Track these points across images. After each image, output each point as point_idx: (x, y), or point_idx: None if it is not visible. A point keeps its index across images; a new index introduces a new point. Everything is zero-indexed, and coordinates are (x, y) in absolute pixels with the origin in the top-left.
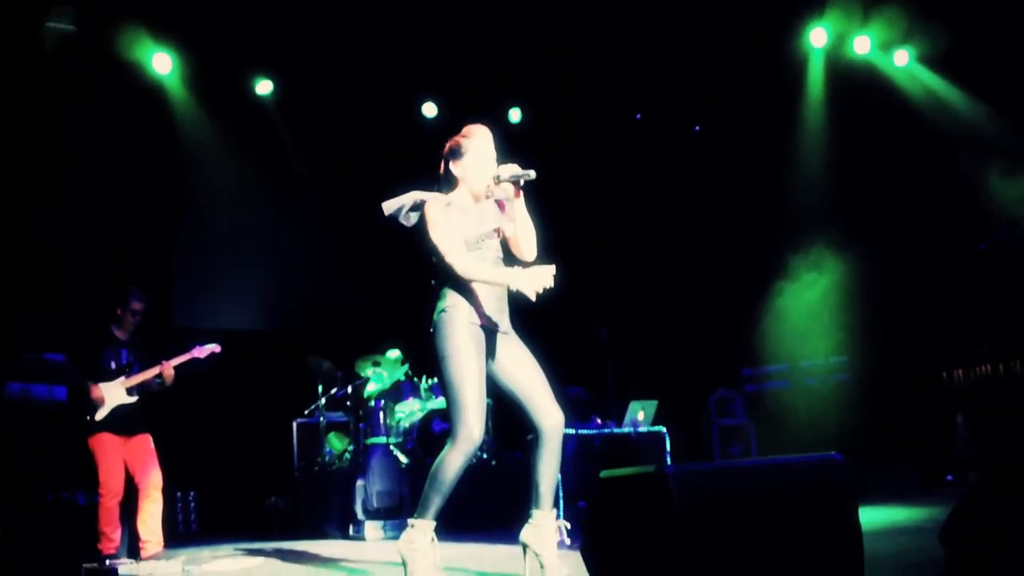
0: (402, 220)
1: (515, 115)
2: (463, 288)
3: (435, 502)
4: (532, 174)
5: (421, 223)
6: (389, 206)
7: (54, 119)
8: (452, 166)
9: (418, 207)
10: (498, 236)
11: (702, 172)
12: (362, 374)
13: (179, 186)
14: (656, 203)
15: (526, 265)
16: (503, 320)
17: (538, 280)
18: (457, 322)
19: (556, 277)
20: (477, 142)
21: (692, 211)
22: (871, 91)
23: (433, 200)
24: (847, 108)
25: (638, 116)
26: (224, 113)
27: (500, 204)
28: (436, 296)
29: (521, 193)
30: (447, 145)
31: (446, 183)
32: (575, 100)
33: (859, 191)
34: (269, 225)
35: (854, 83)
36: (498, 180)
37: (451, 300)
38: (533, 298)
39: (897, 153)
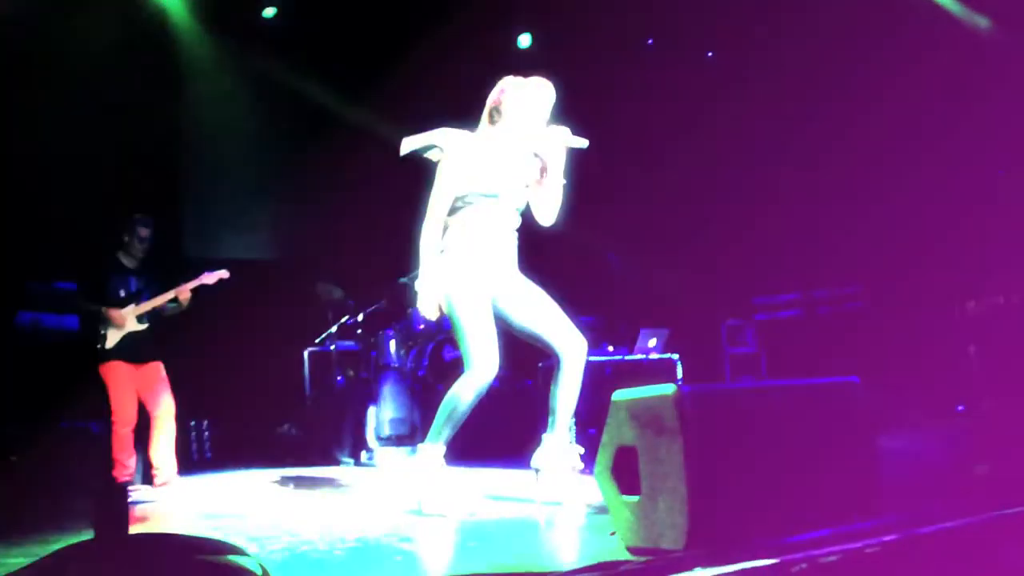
0: (427, 155)
1: (524, 40)
2: (468, 232)
3: (446, 429)
4: (584, 143)
5: (438, 164)
6: (410, 143)
7: (59, 48)
8: (506, 99)
9: (441, 147)
10: (520, 183)
11: (715, 97)
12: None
13: (185, 114)
14: (668, 127)
15: (540, 229)
16: (506, 267)
17: (428, 311)
18: (457, 263)
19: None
20: (538, 93)
21: (704, 136)
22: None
23: (454, 145)
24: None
25: (650, 41)
26: (231, 39)
27: (539, 158)
28: (443, 233)
29: (563, 158)
30: (507, 81)
31: (491, 115)
32: (586, 25)
33: (870, 106)
34: (277, 153)
35: None
36: (547, 140)
37: (452, 241)
38: (429, 318)
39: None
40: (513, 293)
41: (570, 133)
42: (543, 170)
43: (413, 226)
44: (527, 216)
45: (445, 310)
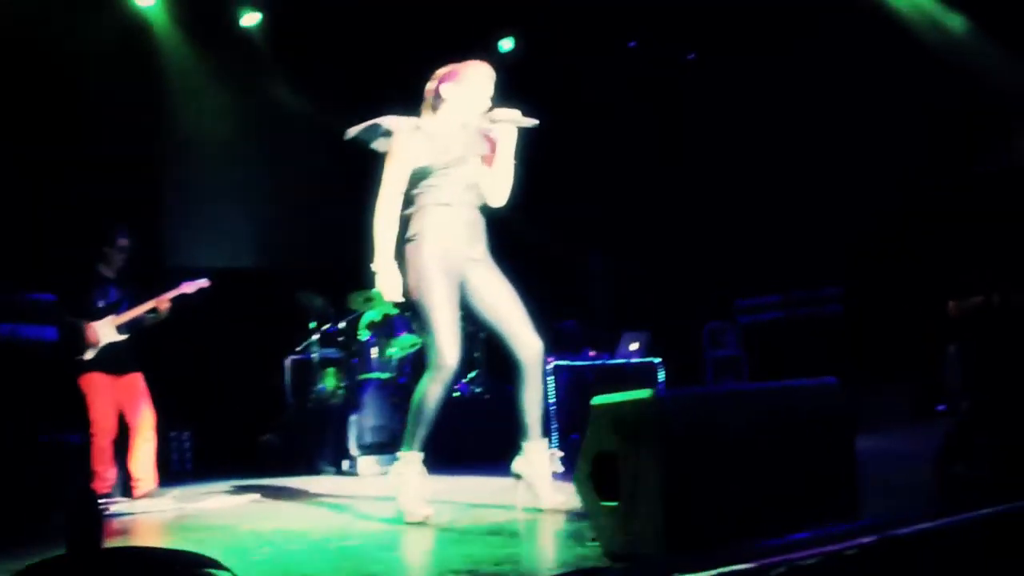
0: (374, 146)
1: (507, 44)
2: (431, 214)
3: (420, 432)
4: (534, 122)
5: (388, 151)
6: (354, 130)
7: (37, 56)
8: (444, 87)
9: (389, 134)
10: (472, 163)
11: (696, 99)
12: (354, 309)
13: (165, 123)
14: (649, 130)
15: (491, 210)
16: (476, 246)
17: (390, 292)
18: (424, 249)
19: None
20: (478, 75)
21: (686, 139)
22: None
23: (401, 129)
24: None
25: (631, 44)
26: (210, 47)
27: (489, 140)
28: (403, 226)
29: (514, 139)
30: (446, 68)
31: (432, 103)
32: (568, 29)
33: (847, 112)
34: (257, 162)
35: None
36: (495, 120)
37: (417, 227)
38: (393, 300)
39: (887, 72)
40: (480, 280)
41: (520, 114)
42: (492, 149)
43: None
44: (501, 219)
45: (413, 298)
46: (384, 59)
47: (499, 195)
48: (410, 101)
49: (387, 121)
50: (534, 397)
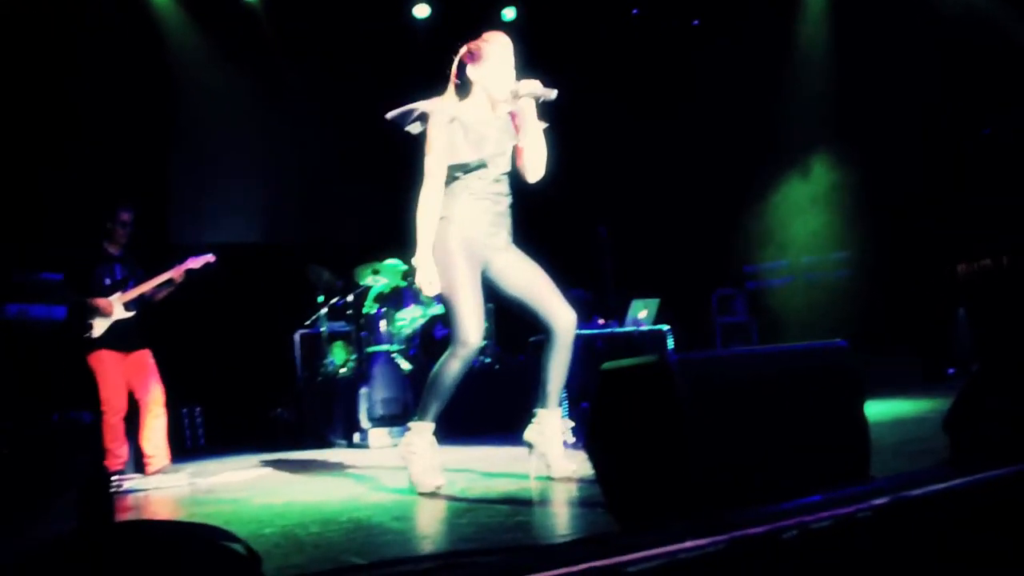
0: (407, 127)
1: (509, 14)
2: (460, 203)
3: (434, 406)
4: (553, 93)
5: (423, 137)
6: (392, 113)
7: (45, 33)
8: (469, 69)
9: (423, 118)
10: (507, 156)
11: (701, 66)
12: (362, 282)
13: (170, 98)
14: (656, 97)
15: (529, 185)
16: (499, 236)
17: (429, 287)
18: (449, 233)
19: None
20: (498, 48)
21: (692, 104)
22: None
23: (437, 116)
24: None
25: (635, 11)
26: (213, 21)
27: (512, 115)
28: None
29: (535, 110)
30: (465, 48)
31: (460, 88)
32: None
33: (861, 81)
34: (263, 135)
35: None
36: (516, 95)
37: (445, 212)
38: (429, 293)
39: (899, 39)
40: (504, 262)
41: (540, 84)
42: (520, 128)
43: (402, 206)
44: (515, 186)
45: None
46: (387, 27)
47: (535, 170)
48: (414, 69)
49: (422, 105)
50: (560, 367)
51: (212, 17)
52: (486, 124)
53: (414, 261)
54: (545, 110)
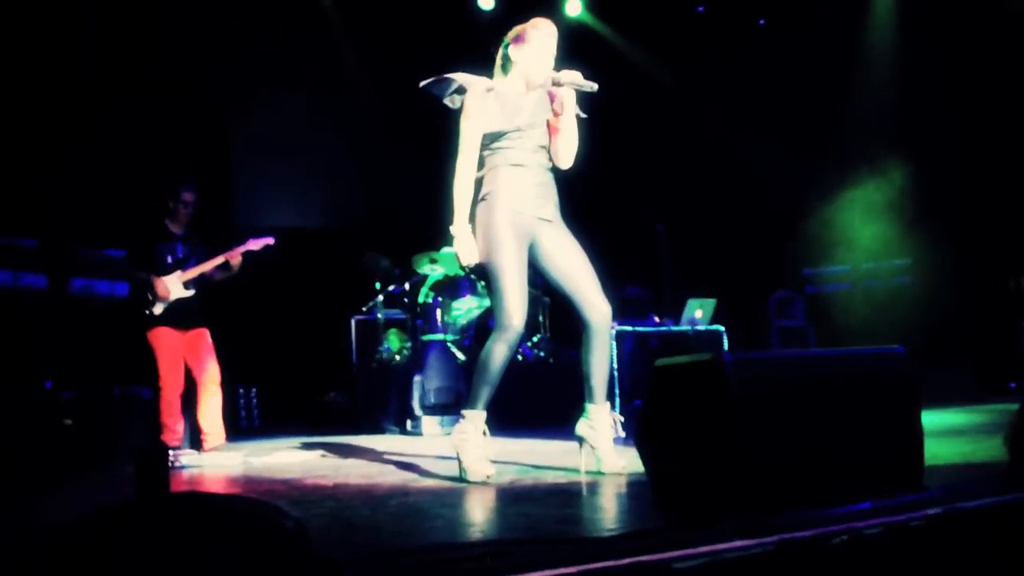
0: (446, 100)
1: (575, 9)
2: (503, 175)
3: (484, 392)
4: (594, 86)
5: (462, 109)
6: (426, 82)
7: (112, 29)
8: (512, 50)
9: (461, 91)
10: (541, 126)
11: (768, 67)
12: (419, 271)
13: (235, 82)
14: (721, 98)
15: (559, 173)
16: (547, 207)
17: (466, 255)
18: (496, 210)
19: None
20: (542, 34)
21: (758, 106)
22: None
23: (474, 87)
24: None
25: (700, 9)
26: (278, 7)
27: (551, 96)
28: (476, 187)
29: (574, 100)
30: (512, 30)
31: (502, 67)
32: None
33: (931, 91)
34: (326, 121)
35: None
36: (558, 83)
37: (489, 188)
38: (469, 263)
39: (973, 51)
40: (552, 243)
41: (581, 76)
42: (556, 112)
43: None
44: (570, 182)
45: (482, 258)
46: (451, 17)
47: (566, 157)
48: (478, 61)
49: (460, 77)
50: (600, 361)
51: (277, 3)
52: (522, 97)
53: (452, 229)
54: (584, 104)
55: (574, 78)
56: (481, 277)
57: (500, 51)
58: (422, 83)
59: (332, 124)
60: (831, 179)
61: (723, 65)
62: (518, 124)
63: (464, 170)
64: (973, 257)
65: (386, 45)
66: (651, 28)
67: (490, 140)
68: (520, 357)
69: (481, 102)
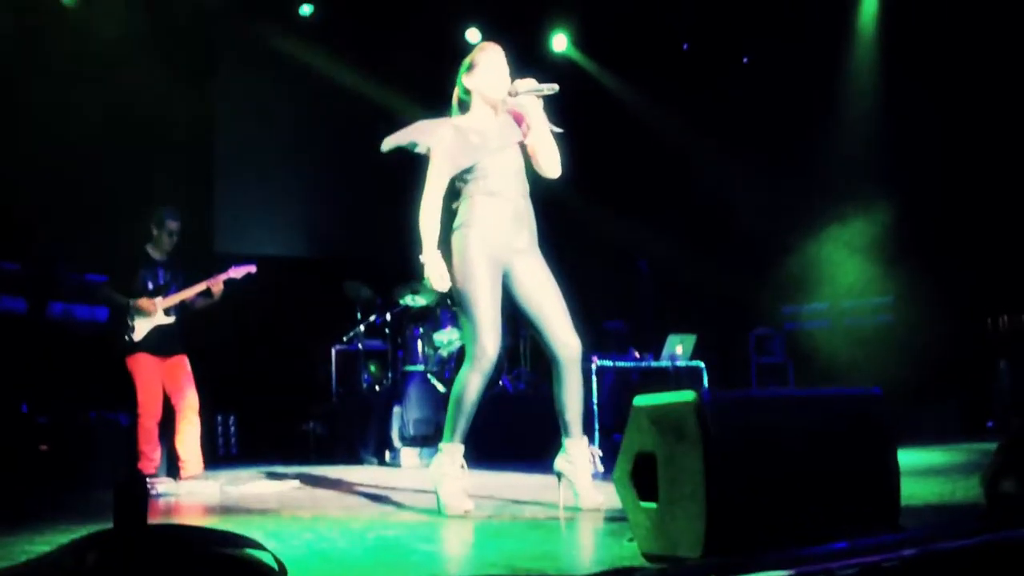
0: (416, 151)
1: (561, 45)
2: (478, 205)
3: (460, 424)
4: (554, 87)
5: (431, 152)
6: (390, 142)
7: (92, 36)
8: (466, 80)
9: (425, 133)
10: (514, 149)
11: (750, 105)
12: (401, 302)
13: (218, 110)
14: (701, 134)
15: (550, 182)
16: (521, 236)
17: (439, 281)
18: (470, 239)
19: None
20: (488, 54)
21: (740, 143)
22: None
23: (439, 125)
24: (898, 41)
25: (685, 47)
26: (264, 35)
27: (517, 117)
28: (452, 216)
29: (540, 108)
30: (462, 65)
31: (460, 104)
32: (621, 27)
33: (913, 129)
34: (309, 152)
35: (906, 16)
36: (515, 93)
37: (464, 217)
38: (441, 289)
39: (949, 91)
40: (525, 274)
41: (535, 81)
42: (526, 127)
43: (444, 227)
44: (552, 215)
45: (456, 286)
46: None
47: (550, 166)
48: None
49: (421, 123)
50: (572, 395)
51: (264, 31)
52: (488, 122)
53: (421, 258)
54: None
55: (530, 84)
56: (455, 304)
57: (456, 90)
58: (385, 146)
59: (315, 154)
60: (812, 216)
61: (707, 103)
62: (490, 148)
63: (428, 203)
64: (954, 296)
65: (372, 75)
66: (636, 64)
67: (464, 171)
68: (501, 387)
69: (447, 138)
